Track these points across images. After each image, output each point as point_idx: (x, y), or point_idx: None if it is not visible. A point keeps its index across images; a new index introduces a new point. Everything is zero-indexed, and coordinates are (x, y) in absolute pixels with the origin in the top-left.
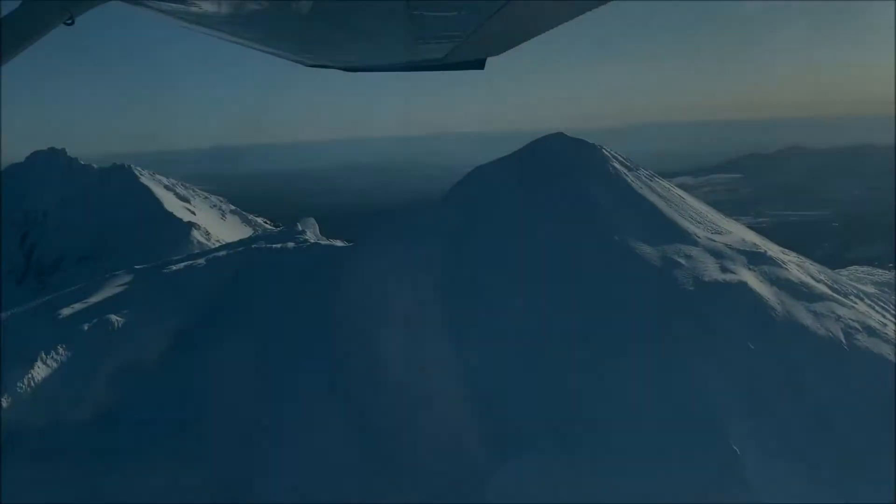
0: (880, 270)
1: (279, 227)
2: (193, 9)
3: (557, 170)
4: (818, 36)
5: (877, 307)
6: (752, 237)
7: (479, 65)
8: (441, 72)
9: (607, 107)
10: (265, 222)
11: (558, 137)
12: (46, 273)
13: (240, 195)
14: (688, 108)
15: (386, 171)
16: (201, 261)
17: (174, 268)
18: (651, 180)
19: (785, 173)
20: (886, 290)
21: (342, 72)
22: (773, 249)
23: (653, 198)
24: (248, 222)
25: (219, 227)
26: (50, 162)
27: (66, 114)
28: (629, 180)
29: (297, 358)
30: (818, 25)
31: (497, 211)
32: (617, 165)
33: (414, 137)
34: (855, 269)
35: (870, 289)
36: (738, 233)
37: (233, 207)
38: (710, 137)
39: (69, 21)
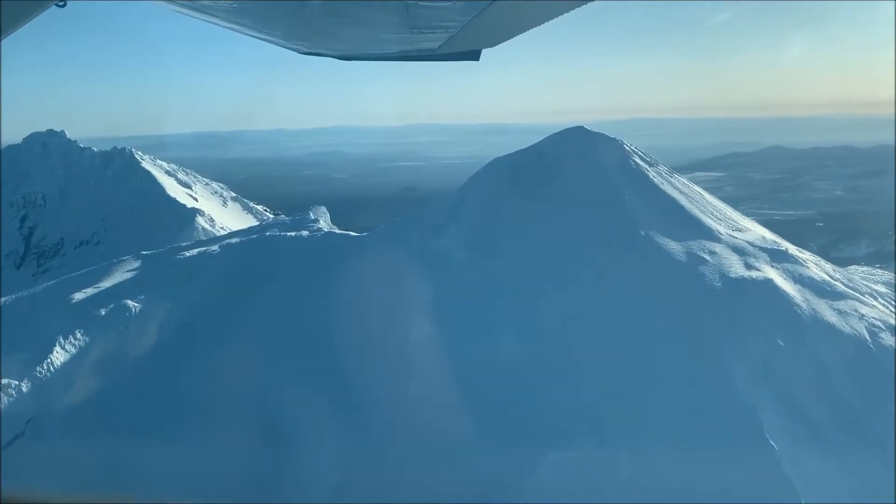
0: (881, 270)
1: (278, 214)
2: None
3: (579, 164)
4: (797, 37)
5: (891, 306)
6: (769, 234)
7: (475, 56)
8: (430, 64)
9: (583, 103)
10: (265, 210)
11: (579, 131)
12: (47, 257)
13: (223, 181)
14: (666, 105)
15: (369, 160)
16: (215, 247)
17: (187, 254)
18: (671, 176)
19: (767, 172)
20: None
21: (330, 61)
22: (791, 247)
23: (674, 194)
24: (249, 210)
25: (221, 214)
26: (49, 144)
27: (43, 97)
28: (651, 175)
29: (315, 348)
30: (793, 27)
31: (518, 204)
32: (638, 160)
33: (399, 128)
34: (855, 269)
35: (880, 288)
36: (756, 230)
37: (234, 195)
38: (690, 135)
39: (61, 3)
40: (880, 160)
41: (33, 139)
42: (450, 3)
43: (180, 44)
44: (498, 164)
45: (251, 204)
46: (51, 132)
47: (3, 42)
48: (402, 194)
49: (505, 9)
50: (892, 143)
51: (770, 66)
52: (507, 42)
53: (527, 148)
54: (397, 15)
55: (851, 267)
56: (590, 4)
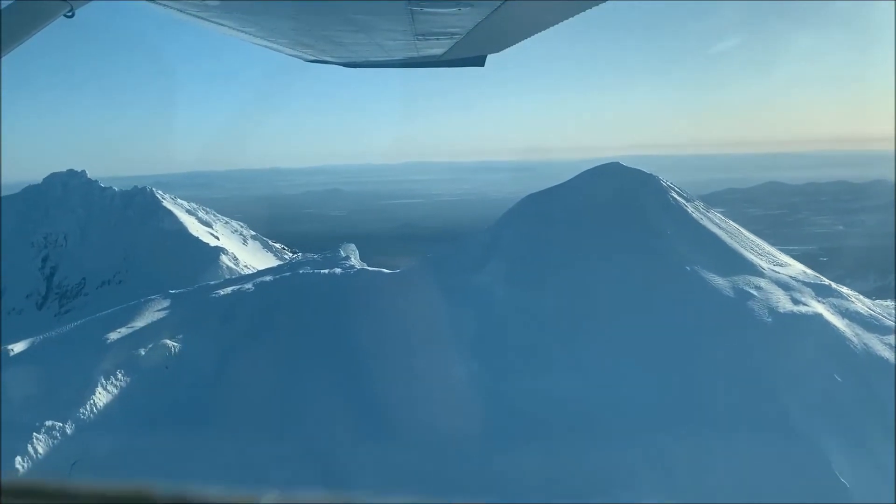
0: None
1: (296, 252)
2: (194, 1)
3: (617, 199)
4: (788, 74)
5: None
6: (809, 269)
7: (480, 62)
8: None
9: (576, 139)
10: (284, 248)
11: (615, 167)
12: (69, 297)
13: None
14: (655, 142)
15: (365, 198)
16: (248, 286)
17: (221, 293)
18: (708, 211)
19: (765, 208)
20: None
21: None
22: (832, 282)
23: (714, 229)
24: (269, 248)
25: (243, 252)
26: (69, 184)
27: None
28: (689, 210)
29: (359, 386)
30: (783, 65)
31: (558, 239)
32: (675, 195)
33: (393, 166)
34: (879, 303)
35: None
36: (795, 265)
37: (253, 233)
38: (683, 172)
39: (69, 13)
40: (878, 195)
41: (53, 179)
42: (454, 9)
43: (168, 81)
44: (533, 200)
45: (270, 242)
46: (71, 172)
47: (17, 52)
48: (402, 231)
49: (509, 14)
50: (890, 178)
51: (759, 102)
52: (511, 48)
53: (562, 184)
54: (402, 22)
55: (877, 301)
56: (573, 36)
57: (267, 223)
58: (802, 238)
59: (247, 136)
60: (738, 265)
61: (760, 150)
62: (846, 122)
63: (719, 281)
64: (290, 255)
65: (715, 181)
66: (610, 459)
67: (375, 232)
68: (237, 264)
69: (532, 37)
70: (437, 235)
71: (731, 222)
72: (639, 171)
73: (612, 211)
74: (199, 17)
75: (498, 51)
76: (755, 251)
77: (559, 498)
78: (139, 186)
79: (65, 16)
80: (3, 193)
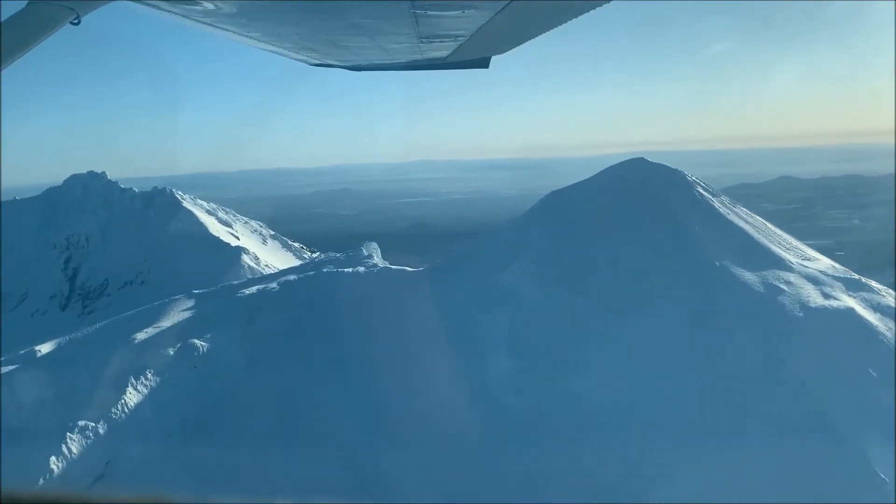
0: None
1: (314, 251)
2: (199, 7)
3: (643, 195)
4: (799, 69)
5: None
6: (837, 264)
7: (484, 63)
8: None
9: (581, 137)
10: (302, 248)
11: (640, 162)
12: (91, 298)
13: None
14: (665, 139)
15: (375, 197)
16: (273, 285)
17: (246, 292)
18: (734, 206)
19: (779, 203)
20: None
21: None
22: (860, 276)
23: (741, 223)
24: (288, 248)
25: (263, 252)
26: (89, 185)
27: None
28: (716, 206)
29: (388, 386)
30: (791, 60)
31: (584, 237)
32: (702, 191)
33: (401, 165)
34: None
35: None
36: (823, 259)
37: (272, 233)
38: (695, 168)
39: (75, 20)
40: (892, 189)
41: (74, 181)
42: (458, 12)
43: (174, 85)
44: (557, 196)
45: (289, 241)
46: (91, 174)
47: (25, 62)
48: (414, 230)
49: (513, 16)
50: None
51: (770, 96)
52: (515, 50)
53: (586, 180)
54: (406, 25)
55: None
56: (584, 34)
57: (279, 223)
58: (818, 232)
59: (254, 138)
60: (767, 260)
61: (771, 145)
62: (857, 116)
63: (749, 276)
64: (309, 254)
65: (727, 176)
66: (647, 456)
67: (388, 231)
68: (258, 264)
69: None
70: (449, 233)
71: (757, 217)
72: (664, 166)
73: (639, 207)
74: (204, 22)
75: (502, 52)
76: (782, 246)
77: (598, 497)
78: (158, 187)
79: (71, 23)
80: (21, 196)
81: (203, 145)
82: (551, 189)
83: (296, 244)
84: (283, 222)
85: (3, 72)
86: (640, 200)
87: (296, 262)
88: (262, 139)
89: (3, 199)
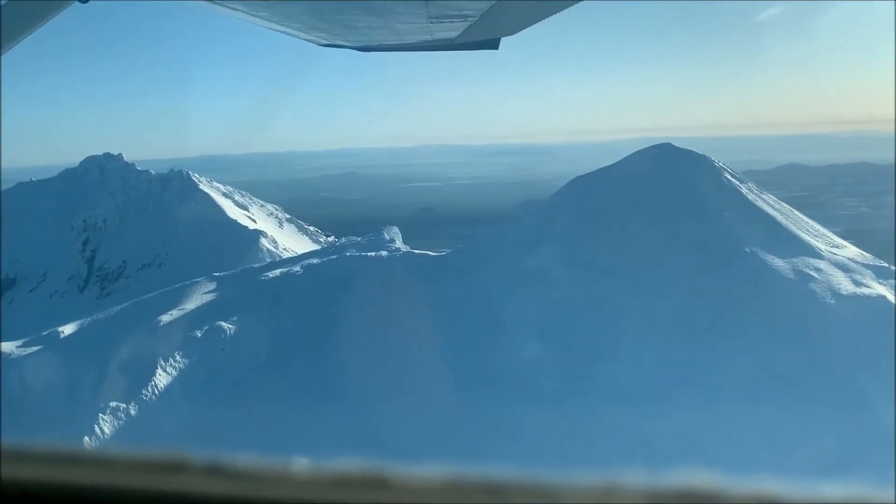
0: None
1: (329, 235)
2: None
3: (669, 180)
4: (807, 54)
5: None
6: (863, 252)
7: (494, 45)
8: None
9: (590, 123)
10: (318, 231)
11: (665, 148)
12: (110, 280)
13: None
14: (675, 125)
15: (382, 182)
16: (297, 268)
17: (269, 275)
18: (762, 193)
19: (787, 190)
20: None
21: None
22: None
23: (770, 210)
24: (304, 231)
25: (280, 235)
26: (106, 167)
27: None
28: (744, 192)
29: (418, 370)
30: (803, 45)
31: (612, 222)
32: (729, 177)
33: (408, 149)
34: None
35: None
36: (850, 247)
37: (288, 216)
38: (705, 154)
39: None
40: None
41: (90, 162)
42: None
43: (178, 67)
44: (582, 181)
45: (305, 225)
46: (108, 155)
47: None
48: (421, 215)
49: None
50: None
51: (775, 84)
52: (525, 31)
53: (610, 166)
54: (416, 4)
55: None
56: (588, 23)
57: (289, 207)
58: (827, 220)
59: (262, 121)
60: (796, 246)
61: (778, 132)
62: (865, 103)
63: (779, 263)
64: (325, 238)
65: (734, 163)
66: (678, 434)
67: (395, 216)
68: (276, 247)
69: (547, 18)
70: (457, 219)
71: (784, 204)
72: (691, 151)
73: (667, 192)
74: (214, 3)
75: (512, 33)
76: (811, 233)
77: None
78: (175, 170)
79: (79, 1)
80: (38, 177)
81: (211, 128)
82: (559, 175)
83: (311, 228)
84: (292, 206)
85: (17, 48)
86: (668, 186)
87: (313, 246)
88: (269, 122)
89: (18, 181)
